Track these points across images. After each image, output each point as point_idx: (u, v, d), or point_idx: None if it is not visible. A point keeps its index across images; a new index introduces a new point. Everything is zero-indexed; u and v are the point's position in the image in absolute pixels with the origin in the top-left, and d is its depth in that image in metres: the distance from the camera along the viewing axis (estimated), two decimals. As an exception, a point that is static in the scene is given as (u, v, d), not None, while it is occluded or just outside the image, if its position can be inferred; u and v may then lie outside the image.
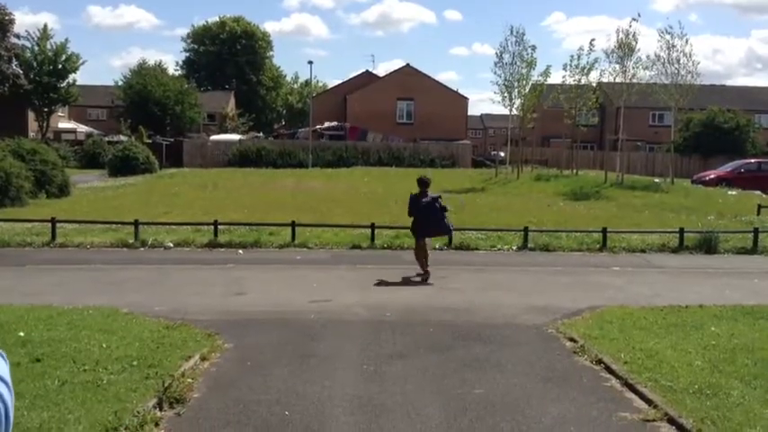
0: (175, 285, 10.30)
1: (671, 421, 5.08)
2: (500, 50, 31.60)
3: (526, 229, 14.36)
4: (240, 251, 13.35)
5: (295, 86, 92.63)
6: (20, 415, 4.74)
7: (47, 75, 46.23)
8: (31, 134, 44.50)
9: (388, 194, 22.83)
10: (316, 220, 15.61)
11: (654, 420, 5.15)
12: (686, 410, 5.15)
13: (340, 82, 59.02)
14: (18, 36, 43.60)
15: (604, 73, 30.82)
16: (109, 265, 11.77)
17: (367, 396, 5.62)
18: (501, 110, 36.60)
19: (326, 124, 47.39)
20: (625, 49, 28.83)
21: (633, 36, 28.75)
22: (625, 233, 15.17)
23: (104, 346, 6.41)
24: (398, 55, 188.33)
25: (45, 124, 48.01)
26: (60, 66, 47.16)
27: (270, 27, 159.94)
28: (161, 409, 5.16)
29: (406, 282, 10.80)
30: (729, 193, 26.00)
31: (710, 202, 22.26)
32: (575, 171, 33.14)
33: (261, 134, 53.71)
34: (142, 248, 13.42)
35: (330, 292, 9.76)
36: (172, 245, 13.61)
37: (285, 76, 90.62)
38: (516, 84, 31.71)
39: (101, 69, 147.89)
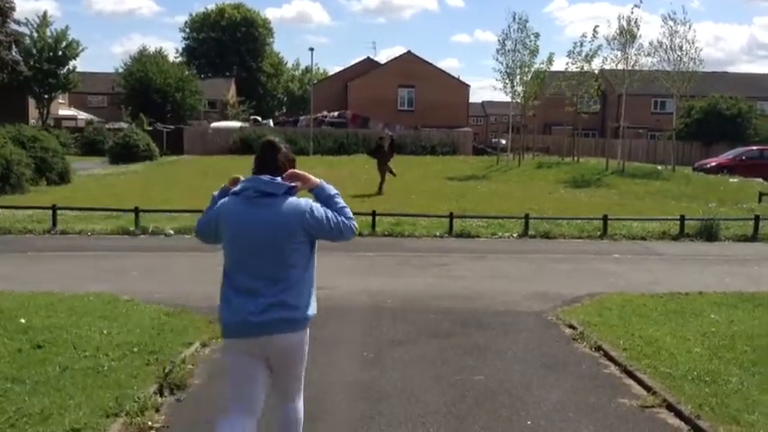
0: (176, 272, 10.32)
1: (669, 407, 5.10)
2: (502, 37, 31.50)
3: (527, 217, 14.35)
4: None
5: (296, 73, 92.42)
6: (21, 401, 4.77)
7: (47, 61, 46.12)
8: (32, 121, 44.47)
9: (389, 182, 22.81)
10: (316, 208, 15.61)
11: (652, 407, 5.17)
12: (685, 397, 5.18)
13: (341, 69, 58.93)
14: (18, 22, 43.48)
15: (606, 60, 30.74)
16: (109, 253, 11.78)
17: (368, 382, 5.65)
18: (502, 97, 36.62)
19: (329, 115, 47.25)
20: (627, 35, 28.70)
21: (635, 23, 28.63)
22: (626, 220, 15.16)
23: (105, 332, 6.43)
24: (400, 42, 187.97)
25: (45, 111, 47.99)
26: (60, 52, 47.06)
27: (271, 14, 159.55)
28: (161, 395, 5.18)
29: (407, 269, 10.82)
30: (731, 180, 25.97)
31: (712, 190, 22.24)
32: (576, 158, 33.08)
33: (265, 120, 53.38)
34: (143, 236, 13.44)
35: (331, 280, 9.75)
36: (172, 232, 13.62)
37: (286, 63, 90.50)
38: (518, 71, 31.59)
39: (101, 56, 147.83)
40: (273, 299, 3.34)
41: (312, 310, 3.51)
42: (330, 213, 3.45)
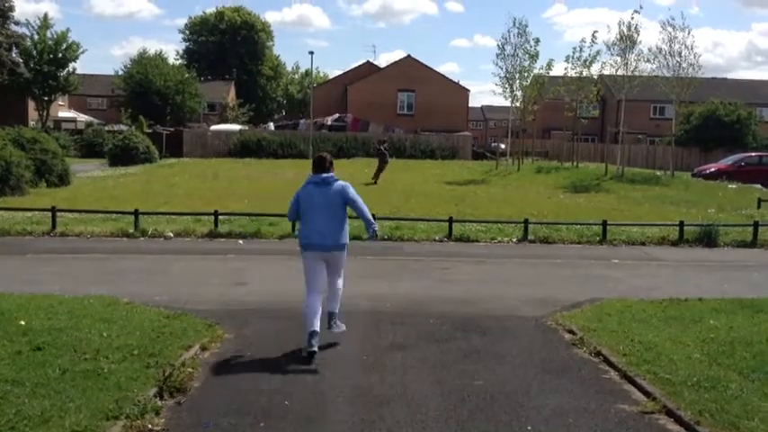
0: (175, 275, 10.31)
1: (669, 413, 5.10)
2: (502, 42, 31.59)
3: (526, 222, 14.35)
4: (240, 241, 13.36)
5: (295, 77, 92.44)
6: (21, 403, 4.76)
7: (47, 63, 46.05)
8: (31, 123, 44.44)
9: (388, 185, 22.85)
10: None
11: (652, 413, 5.17)
12: (684, 403, 5.18)
13: (341, 72, 58.93)
14: (18, 24, 43.47)
15: (606, 65, 30.81)
16: (109, 255, 11.78)
17: (367, 386, 5.64)
18: (502, 101, 36.69)
19: (330, 120, 47.28)
20: (627, 41, 28.76)
21: (635, 28, 28.71)
22: (625, 226, 15.16)
23: (105, 335, 6.42)
24: (400, 46, 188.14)
25: (45, 113, 47.92)
26: (60, 54, 46.98)
27: (271, 17, 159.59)
28: (161, 398, 5.18)
29: (407, 273, 10.82)
30: (730, 186, 26.00)
31: (711, 196, 22.27)
32: (575, 163, 33.15)
33: (268, 124, 53.39)
34: (142, 238, 13.43)
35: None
36: (172, 235, 13.62)
37: (285, 66, 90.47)
38: (518, 75, 31.66)
39: (101, 58, 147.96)
40: (328, 232, 6.49)
41: (347, 238, 6.69)
42: (358, 197, 6.68)
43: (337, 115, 48.04)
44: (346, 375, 5.91)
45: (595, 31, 32.98)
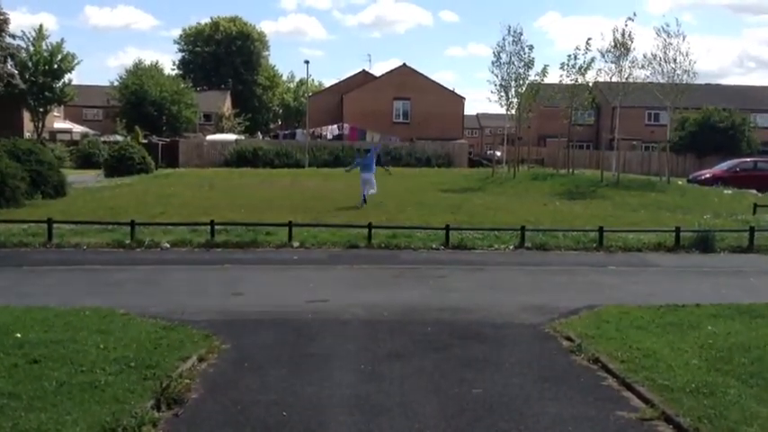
0: (172, 286, 10.28)
1: (668, 420, 5.10)
2: (497, 50, 31.63)
3: (523, 229, 14.36)
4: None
5: (291, 86, 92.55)
6: (18, 417, 4.74)
7: (42, 75, 46.01)
8: (27, 134, 44.36)
9: (384, 194, 22.84)
10: (312, 220, 15.61)
11: (651, 419, 5.16)
12: (683, 409, 5.17)
13: (337, 81, 59.03)
14: (13, 36, 43.41)
15: (600, 72, 30.87)
16: (105, 266, 11.74)
17: (365, 396, 5.63)
18: (497, 109, 36.70)
19: (329, 134, 47.40)
20: (621, 48, 28.87)
21: (629, 36, 28.83)
22: (621, 232, 15.17)
23: (102, 347, 6.40)
24: (395, 55, 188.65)
25: (41, 124, 47.82)
26: (56, 66, 46.95)
27: (267, 27, 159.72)
28: (159, 410, 5.15)
29: (404, 281, 10.80)
30: (725, 191, 26.05)
31: (706, 201, 22.31)
32: (571, 170, 33.17)
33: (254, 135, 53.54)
34: (138, 249, 13.39)
35: (327, 292, 9.76)
36: (168, 245, 13.58)
37: (281, 76, 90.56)
38: (513, 83, 31.71)
39: (97, 69, 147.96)
40: (372, 172, 20.38)
41: (374, 170, 20.79)
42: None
43: (337, 130, 48.07)
44: (344, 385, 5.89)
45: (589, 39, 32.71)
